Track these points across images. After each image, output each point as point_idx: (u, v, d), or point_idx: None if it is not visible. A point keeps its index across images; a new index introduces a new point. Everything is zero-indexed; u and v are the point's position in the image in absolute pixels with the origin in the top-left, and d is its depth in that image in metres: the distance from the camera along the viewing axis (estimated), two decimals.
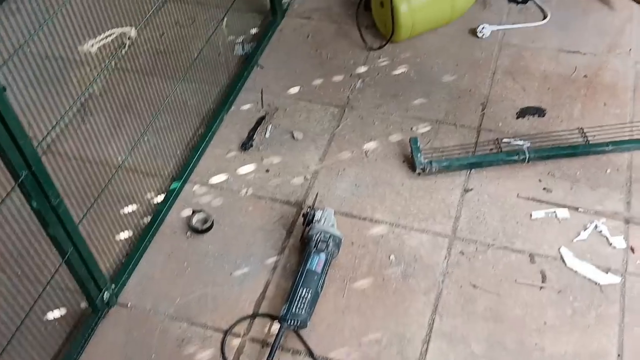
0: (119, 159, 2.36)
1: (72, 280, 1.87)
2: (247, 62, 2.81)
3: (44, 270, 1.91)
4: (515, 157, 2.31)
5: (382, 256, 2.11)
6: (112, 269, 2.09)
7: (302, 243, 2.15)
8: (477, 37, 2.85)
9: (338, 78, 2.73)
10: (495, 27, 2.87)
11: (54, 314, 1.95)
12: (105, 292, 1.95)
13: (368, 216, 2.23)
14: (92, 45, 1.84)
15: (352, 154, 2.43)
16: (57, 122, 1.76)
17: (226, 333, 1.93)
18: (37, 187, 1.59)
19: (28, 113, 1.74)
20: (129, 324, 1.97)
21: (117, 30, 1.98)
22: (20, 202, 1.65)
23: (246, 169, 2.42)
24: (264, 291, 2.05)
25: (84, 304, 1.97)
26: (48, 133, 1.70)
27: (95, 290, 1.92)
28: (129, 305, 2.02)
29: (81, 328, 1.93)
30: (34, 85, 2.34)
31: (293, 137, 2.51)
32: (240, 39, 2.91)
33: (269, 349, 1.86)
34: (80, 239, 1.80)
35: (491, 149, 2.39)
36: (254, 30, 2.98)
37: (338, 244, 2.09)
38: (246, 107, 2.65)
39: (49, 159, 1.96)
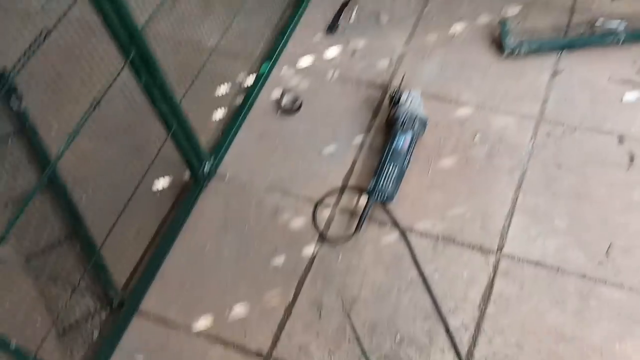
0: (212, 41, 2.44)
1: (176, 154, 2.02)
2: None
3: (150, 144, 2.07)
4: (609, 39, 2.25)
5: (466, 137, 2.15)
6: (210, 145, 2.24)
7: (387, 124, 2.22)
8: None
9: None
10: None
11: (162, 184, 2.13)
12: (206, 165, 2.10)
13: (454, 98, 2.26)
14: None
15: (439, 36, 2.42)
16: (159, 10, 1.84)
17: (317, 204, 2.07)
18: (144, 65, 1.70)
19: None
20: (228, 194, 2.13)
21: None
22: (127, 80, 1.78)
23: (332, 51, 2.46)
24: (352, 168, 2.15)
25: (187, 175, 2.13)
26: (152, 14, 1.79)
27: (197, 163, 2.07)
28: (227, 178, 2.17)
29: (186, 196, 2.10)
30: None
31: (379, 20, 2.51)
32: None
33: (357, 219, 1.99)
34: (183, 114, 1.93)
35: (584, 31, 2.33)
36: None
37: (424, 124, 2.15)
38: None
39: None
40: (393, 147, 2.08)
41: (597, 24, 2.33)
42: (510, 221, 1.95)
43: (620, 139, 2.06)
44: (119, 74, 1.68)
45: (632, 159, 2.01)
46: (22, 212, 1.58)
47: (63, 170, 2.13)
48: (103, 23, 1.56)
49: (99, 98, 1.65)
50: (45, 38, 1.47)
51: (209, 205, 2.11)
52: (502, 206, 1.98)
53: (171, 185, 2.15)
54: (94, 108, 1.63)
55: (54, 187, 2.10)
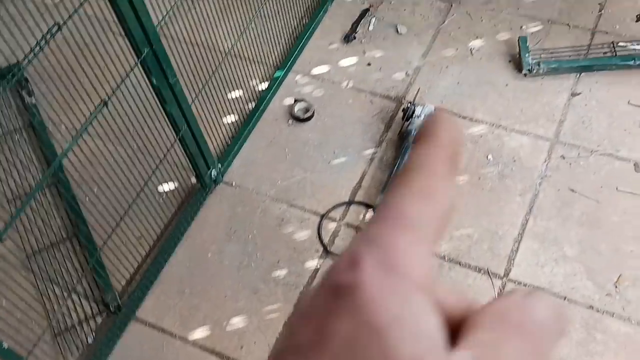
0: (227, 44, 2.42)
1: (184, 157, 2.00)
2: None
3: (158, 147, 2.05)
4: (631, 62, 2.20)
5: (479, 155, 2.11)
6: (218, 150, 2.21)
7: (400, 137, 2.18)
8: None
9: None
10: None
11: (167, 187, 2.10)
12: (213, 170, 2.08)
13: (468, 115, 2.21)
14: None
15: (457, 51, 2.39)
16: (175, 11, 1.82)
17: (323, 217, 2.03)
18: (157, 65, 1.68)
19: None
20: (234, 201, 2.10)
21: None
22: (138, 80, 1.76)
23: (348, 61, 2.43)
24: (360, 181, 2.11)
25: (193, 180, 2.11)
26: (167, 13, 1.77)
27: (204, 168, 2.05)
28: (233, 184, 2.14)
29: (191, 201, 2.08)
30: None
31: (397, 31, 2.48)
32: None
33: None
34: (193, 117, 1.91)
35: (605, 53, 2.28)
36: None
37: None
38: None
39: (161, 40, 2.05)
40: (404, 162, 2.04)
41: (619, 45, 2.28)
42: (519, 245, 1.90)
43: (637, 166, 2.01)
44: (129, 73, 1.67)
45: None
46: (25, 206, 1.56)
47: (69, 169, 2.11)
48: (118, 19, 1.54)
49: (108, 97, 1.63)
50: (56, 32, 1.45)
51: (214, 212, 2.08)
52: (512, 229, 1.94)
53: (177, 189, 2.12)
54: (102, 106, 1.61)
55: (58, 184, 2.08)
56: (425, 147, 0.31)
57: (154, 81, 1.69)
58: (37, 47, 1.27)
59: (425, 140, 0.31)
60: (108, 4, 1.50)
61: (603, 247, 1.87)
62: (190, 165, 2.04)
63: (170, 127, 1.89)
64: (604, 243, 1.88)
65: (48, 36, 1.29)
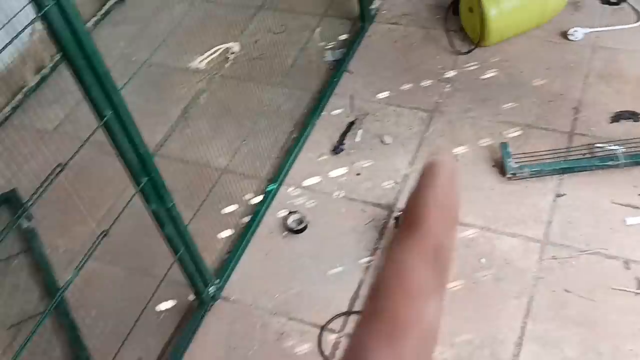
0: (220, 161, 2.51)
1: (182, 275, 2.02)
2: (337, 68, 2.91)
3: (156, 266, 2.07)
4: (610, 162, 2.30)
5: (472, 260, 2.15)
6: (216, 265, 2.24)
7: None
8: (569, 40, 2.83)
9: (426, 83, 2.78)
10: (587, 30, 2.84)
11: (166, 306, 2.11)
12: (211, 287, 2.09)
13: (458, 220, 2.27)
14: (201, 62, 1.99)
15: None
16: (171, 132, 1.91)
17: (322, 329, 2.04)
18: (154, 192, 1.74)
19: (139, 119, 1.89)
20: (233, 317, 2.10)
21: (222, 46, 2.13)
22: (134, 204, 1.81)
23: (338, 172, 2.51)
24: (358, 290, 2.13)
25: (191, 297, 2.12)
26: (164, 141, 1.85)
27: (202, 285, 2.06)
28: (232, 300, 2.15)
29: (190, 319, 2.08)
30: (141, 93, 2.52)
31: (383, 141, 2.58)
32: (330, 45, 3.01)
33: None
34: (190, 237, 1.95)
35: (584, 154, 2.38)
36: (343, 37, 3.07)
37: None
38: (337, 112, 2.74)
39: (156, 161, 2.13)
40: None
41: (597, 146, 2.38)
42: (520, 349, 1.91)
43: (626, 264, 2.06)
44: (129, 202, 1.72)
45: (639, 285, 2.00)
46: (27, 343, 1.55)
47: (67, 293, 2.12)
48: (116, 150, 1.61)
49: (108, 227, 1.67)
50: (59, 172, 1.51)
51: (213, 329, 2.08)
52: (511, 333, 1.95)
53: (175, 308, 2.12)
54: (102, 237, 1.65)
55: (57, 311, 2.08)
56: (404, 242, 0.19)
57: (152, 207, 1.74)
58: (41, 189, 1.32)
59: (407, 228, 0.18)
60: (105, 137, 1.57)
61: (603, 347, 1.88)
62: (188, 283, 2.06)
63: (169, 247, 1.92)
64: (603, 343, 1.89)
65: (50, 178, 1.35)
